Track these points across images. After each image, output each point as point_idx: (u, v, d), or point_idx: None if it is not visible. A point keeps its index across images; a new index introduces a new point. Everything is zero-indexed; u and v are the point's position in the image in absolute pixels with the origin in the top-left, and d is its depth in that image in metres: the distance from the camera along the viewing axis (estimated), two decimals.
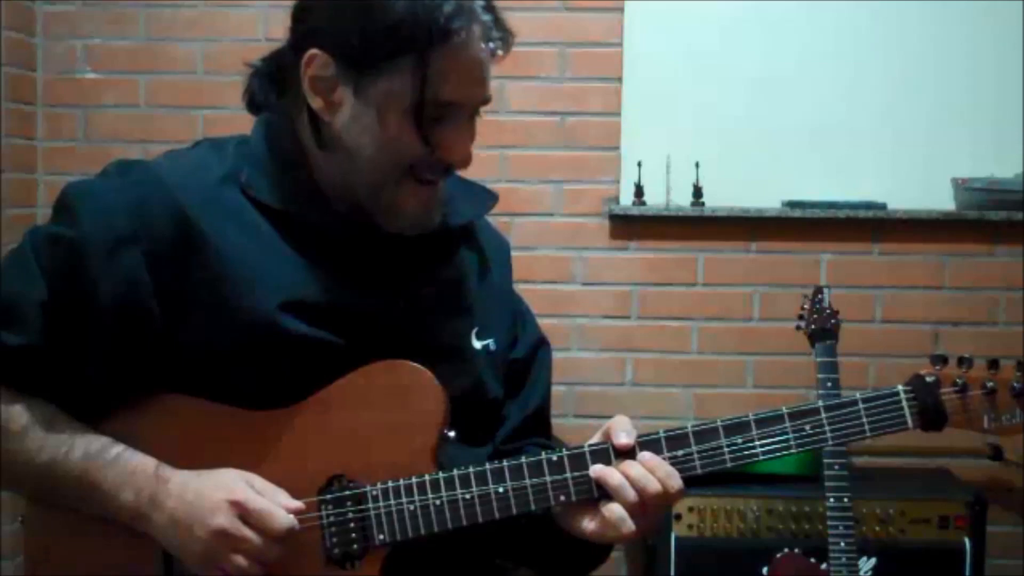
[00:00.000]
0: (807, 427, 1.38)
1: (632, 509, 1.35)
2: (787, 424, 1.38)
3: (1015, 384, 1.38)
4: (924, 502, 2.94)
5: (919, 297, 3.32)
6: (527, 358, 1.61)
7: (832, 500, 2.62)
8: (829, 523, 2.62)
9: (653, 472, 1.36)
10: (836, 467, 2.63)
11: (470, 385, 1.48)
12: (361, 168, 1.40)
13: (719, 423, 1.38)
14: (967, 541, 2.90)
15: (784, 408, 1.38)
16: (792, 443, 1.38)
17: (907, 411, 1.38)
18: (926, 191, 3.32)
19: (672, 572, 2.92)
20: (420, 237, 1.47)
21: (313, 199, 1.44)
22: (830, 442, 1.38)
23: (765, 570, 2.89)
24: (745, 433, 1.38)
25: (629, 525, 1.36)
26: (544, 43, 3.32)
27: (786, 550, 2.89)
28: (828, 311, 2.81)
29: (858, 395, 1.38)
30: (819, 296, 2.84)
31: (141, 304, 1.38)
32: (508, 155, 3.33)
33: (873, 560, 2.88)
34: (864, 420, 1.38)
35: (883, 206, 3.30)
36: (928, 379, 1.38)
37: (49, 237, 1.42)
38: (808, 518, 2.92)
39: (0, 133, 3.22)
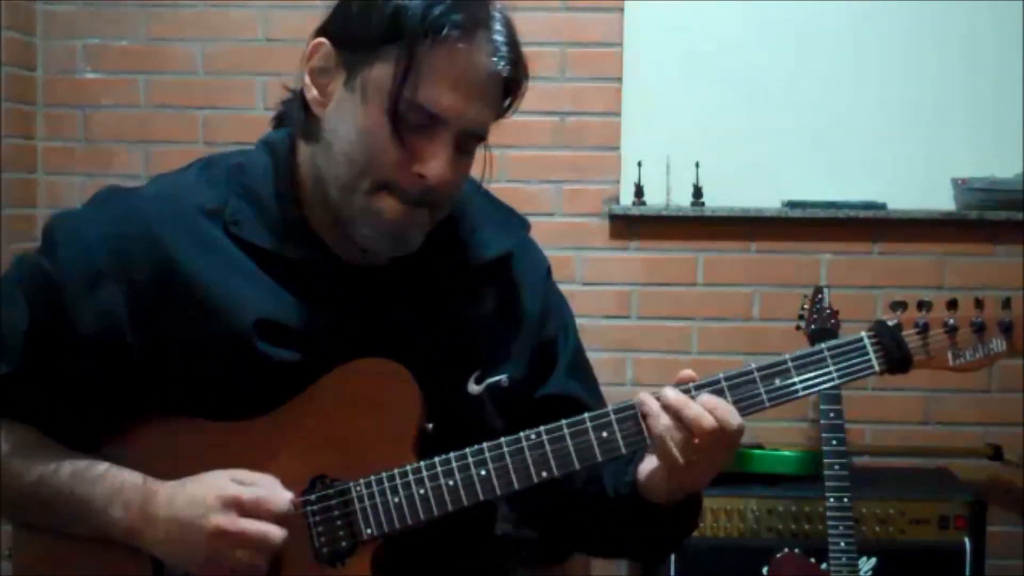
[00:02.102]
0: (777, 381, 1.39)
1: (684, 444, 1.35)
2: (756, 376, 1.38)
3: (975, 320, 1.41)
4: (924, 502, 2.94)
5: (919, 297, 3.31)
6: (563, 405, 1.51)
7: (832, 500, 2.62)
8: (829, 523, 2.62)
9: (711, 408, 1.35)
10: (836, 467, 2.63)
11: (461, 426, 1.43)
12: (336, 164, 1.36)
13: (691, 386, 1.38)
14: (967, 541, 2.90)
15: (753, 365, 1.39)
16: (765, 399, 1.38)
17: (872, 356, 1.39)
18: (926, 191, 3.32)
19: (672, 572, 2.92)
20: (418, 276, 1.44)
21: (301, 234, 1.42)
22: (800, 393, 1.39)
23: (765, 570, 2.89)
24: (717, 394, 1.37)
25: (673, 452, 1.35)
26: (544, 43, 3.32)
27: (786, 550, 2.89)
28: (828, 311, 2.81)
29: (823, 345, 1.40)
30: (819, 296, 2.84)
31: (119, 336, 1.39)
32: (508, 155, 3.32)
33: (873, 560, 2.88)
34: (832, 368, 1.39)
35: (883, 206, 3.30)
36: (890, 323, 1.41)
37: (33, 267, 1.43)
38: (808, 518, 2.92)
39: (0, 133, 3.22)
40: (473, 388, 1.47)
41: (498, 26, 1.35)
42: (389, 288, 1.44)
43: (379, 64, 1.32)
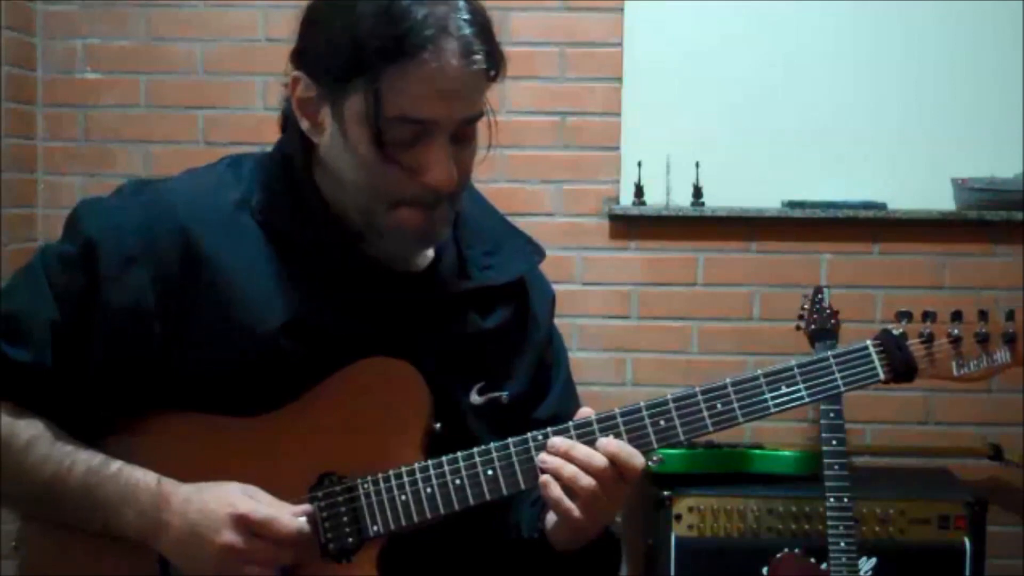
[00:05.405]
0: (783, 386, 1.40)
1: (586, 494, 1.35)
2: (762, 383, 1.40)
3: (979, 331, 1.42)
4: (924, 502, 2.94)
5: (919, 297, 3.31)
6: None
7: (832, 500, 2.62)
8: (829, 523, 2.62)
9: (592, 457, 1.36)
10: (836, 467, 2.63)
11: (457, 435, 1.44)
12: (348, 191, 1.39)
13: (696, 390, 1.39)
14: (967, 541, 2.90)
15: (760, 371, 1.40)
16: (770, 404, 1.39)
17: (877, 364, 1.41)
18: (926, 191, 3.32)
19: (672, 572, 2.92)
20: (436, 286, 1.46)
21: (326, 226, 1.43)
22: (806, 399, 1.40)
23: (765, 570, 2.89)
24: (724, 398, 1.39)
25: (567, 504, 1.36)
26: (544, 43, 3.32)
27: (786, 550, 2.89)
28: (828, 311, 2.81)
29: (829, 353, 1.41)
30: (819, 296, 2.84)
31: (144, 324, 1.39)
32: (508, 155, 3.32)
33: (873, 560, 2.88)
34: (837, 376, 1.40)
35: (883, 206, 3.30)
36: (895, 332, 1.42)
37: (59, 255, 1.42)
38: (808, 518, 2.91)
39: (0, 133, 3.22)
40: (475, 399, 1.48)
41: (463, 20, 1.32)
42: (408, 291, 1.46)
43: (353, 96, 1.33)
